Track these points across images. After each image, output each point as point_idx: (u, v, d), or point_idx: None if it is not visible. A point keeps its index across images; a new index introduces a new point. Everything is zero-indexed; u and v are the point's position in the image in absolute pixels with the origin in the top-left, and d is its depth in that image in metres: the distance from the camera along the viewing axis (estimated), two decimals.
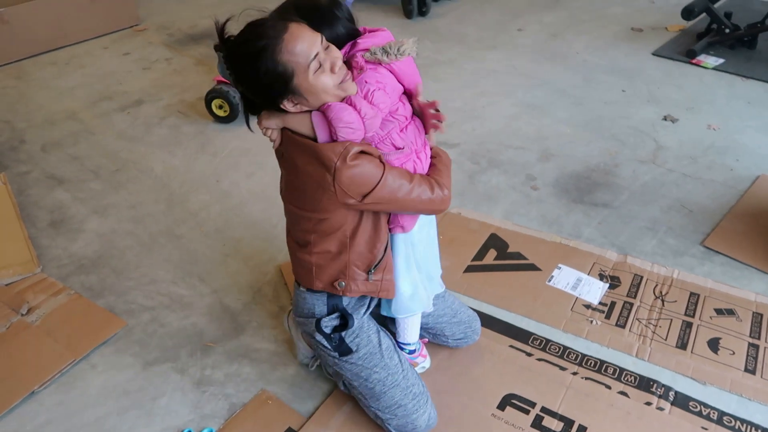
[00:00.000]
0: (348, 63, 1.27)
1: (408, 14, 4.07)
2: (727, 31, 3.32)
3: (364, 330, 1.45)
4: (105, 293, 2.06)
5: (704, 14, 3.35)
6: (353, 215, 1.30)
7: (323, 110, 1.20)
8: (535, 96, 3.08)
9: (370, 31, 1.33)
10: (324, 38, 1.19)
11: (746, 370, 1.64)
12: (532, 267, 2.01)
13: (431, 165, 1.38)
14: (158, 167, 2.71)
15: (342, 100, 1.20)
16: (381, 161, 1.25)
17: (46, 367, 1.77)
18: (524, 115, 2.92)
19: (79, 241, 2.30)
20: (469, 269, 2.02)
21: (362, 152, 1.21)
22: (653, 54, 3.41)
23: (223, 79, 2.88)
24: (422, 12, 4.08)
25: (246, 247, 2.21)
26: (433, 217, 1.49)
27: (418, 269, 1.48)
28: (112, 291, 2.06)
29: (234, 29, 1.20)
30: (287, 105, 1.20)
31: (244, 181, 2.55)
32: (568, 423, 1.53)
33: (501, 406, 1.57)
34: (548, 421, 1.53)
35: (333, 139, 1.19)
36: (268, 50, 1.12)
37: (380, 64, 1.26)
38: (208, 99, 2.93)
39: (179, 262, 2.17)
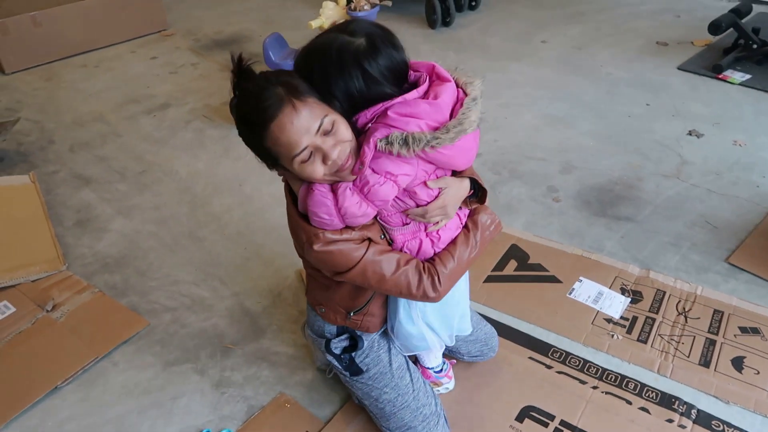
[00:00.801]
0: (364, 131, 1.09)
1: (432, 24, 4.09)
2: (755, 46, 3.29)
3: (374, 350, 1.43)
4: (128, 292, 2.09)
5: (732, 29, 3.33)
6: None
7: (307, 191, 1.11)
8: (558, 108, 3.07)
9: (438, 77, 1.10)
10: (329, 118, 1.03)
11: None
12: (553, 279, 2.00)
13: (459, 236, 1.24)
14: (182, 170, 2.75)
15: (334, 183, 1.10)
16: (364, 241, 1.16)
17: (69, 364, 1.80)
18: (547, 127, 2.92)
19: (104, 240, 2.34)
20: (489, 279, 2.01)
21: (337, 239, 1.13)
22: (678, 68, 3.38)
23: None
24: (446, 22, 4.10)
25: (267, 251, 2.23)
26: (466, 289, 1.42)
27: (423, 319, 1.37)
28: (135, 291, 2.09)
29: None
30: (278, 172, 1.16)
31: (266, 186, 2.58)
32: None
33: (519, 418, 1.56)
34: None
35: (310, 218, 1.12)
36: (255, 129, 1.05)
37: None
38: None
39: (201, 263, 2.20)
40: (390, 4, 3.23)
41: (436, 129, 1.06)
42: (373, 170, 1.07)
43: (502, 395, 1.63)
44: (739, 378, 1.65)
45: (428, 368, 1.61)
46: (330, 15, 3.05)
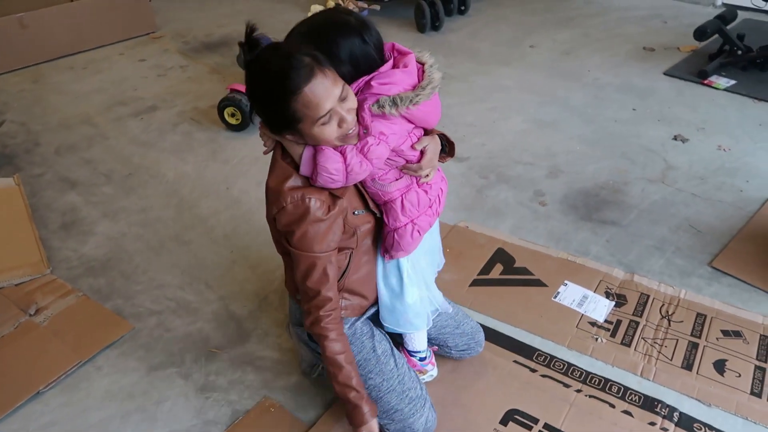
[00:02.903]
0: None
1: (421, 28, 4.11)
2: (740, 52, 3.32)
3: (357, 336, 1.47)
4: (113, 296, 2.07)
5: (717, 35, 3.36)
6: None
7: (316, 151, 1.22)
8: (546, 112, 3.09)
9: (399, 52, 1.30)
10: (345, 87, 1.18)
11: (752, 393, 1.62)
12: (538, 282, 2.01)
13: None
14: (170, 173, 2.74)
15: (337, 147, 1.23)
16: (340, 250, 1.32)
17: (52, 368, 1.79)
18: (534, 132, 2.93)
19: (89, 243, 2.33)
20: (475, 283, 2.02)
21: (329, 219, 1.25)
22: (665, 74, 3.42)
23: (236, 88, 2.92)
24: (435, 27, 4.12)
25: (253, 254, 2.22)
26: (437, 229, 1.53)
27: (424, 282, 1.49)
28: (120, 294, 2.08)
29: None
30: (287, 136, 1.23)
31: (254, 190, 2.57)
32: None
33: (504, 422, 1.57)
34: None
35: (313, 178, 1.23)
36: (285, 93, 1.13)
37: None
38: (221, 107, 2.97)
39: (187, 267, 2.19)
40: (378, 7, 3.24)
41: (410, 90, 1.24)
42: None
43: (487, 398, 1.63)
44: (721, 381, 1.66)
45: (414, 354, 1.62)
46: None
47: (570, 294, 1.96)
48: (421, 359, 1.65)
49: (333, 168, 1.21)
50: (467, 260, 2.11)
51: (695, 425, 1.55)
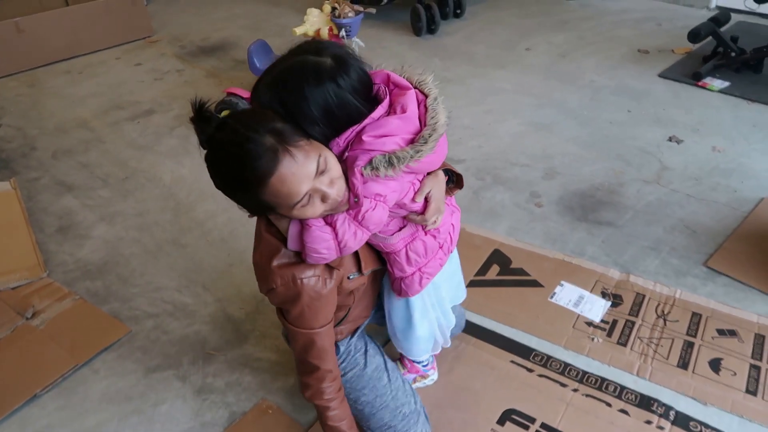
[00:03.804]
0: (345, 158, 1.08)
1: (417, 32, 4.12)
2: (733, 54, 3.34)
3: (350, 355, 1.44)
4: (110, 299, 2.07)
5: (710, 38, 3.38)
6: None
7: (302, 227, 1.09)
8: (541, 115, 3.11)
9: (396, 85, 1.10)
10: (323, 157, 1.00)
11: (747, 391, 1.63)
12: (535, 283, 2.02)
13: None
14: (166, 176, 2.74)
15: (327, 217, 1.09)
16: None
17: (49, 371, 1.79)
18: (530, 134, 2.94)
19: (85, 247, 2.33)
20: (472, 284, 2.03)
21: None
22: (659, 76, 3.43)
23: (234, 92, 2.92)
24: (431, 30, 4.13)
25: (250, 256, 2.20)
26: (456, 250, 1.45)
27: (440, 306, 1.45)
28: (116, 297, 2.08)
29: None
30: (268, 215, 1.13)
31: None
32: None
33: (501, 422, 1.57)
34: None
35: (302, 255, 1.10)
36: (250, 186, 0.99)
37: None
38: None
39: (184, 270, 2.19)
40: (374, 11, 3.25)
41: (411, 140, 1.06)
42: (363, 196, 1.06)
43: (484, 399, 1.64)
44: (717, 379, 1.67)
45: (416, 361, 1.62)
46: (314, 22, 3.06)
47: (566, 294, 1.97)
48: (424, 365, 1.65)
49: (322, 247, 1.07)
50: (464, 262, 2.08)
51: (691, 424, 1.56)
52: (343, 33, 3.08)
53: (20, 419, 1.68)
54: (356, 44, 3.16)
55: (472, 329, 1.85)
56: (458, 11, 4.39)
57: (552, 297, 1.96)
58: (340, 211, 1.08)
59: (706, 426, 1.55)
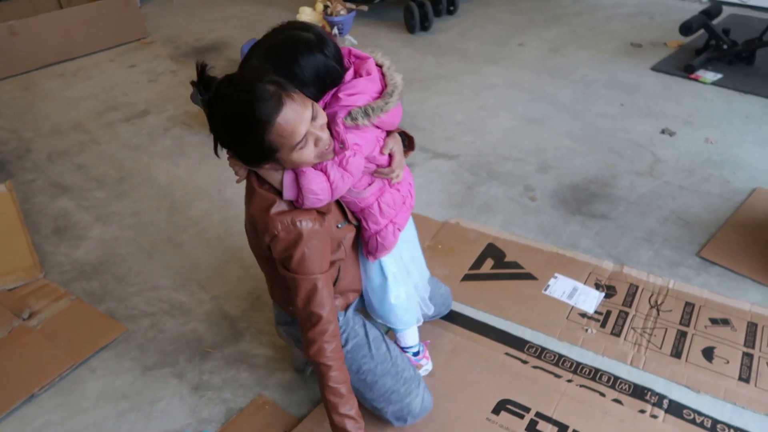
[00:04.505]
0: (329, 118, 1.23)
1: (410, 29, 4.13)
2: (725, 47, 3.36)
3: (350, 326, 1.50)
4: (106, 299, 2.08)
5: (702, 30, 3.39)
6: None
7: (297, 174, 1.21)
8: (534, 109, 3.12)
9: (357, 57, 1.30)
10: (313, 105, 1.15)
11: (740, 378, 1.64)
12: (529, 276, 2.03)
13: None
14: (161, 176, 2.75)
15: (316, 166, 1.22)
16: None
17: (46, 371, 1.80)
18: (523, 128, 2.96)
19: (81, 247, 2.33)
20: (466, 278, 2.04)
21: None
22: (652, 69, 3.45)
23: None
24: (424, 27, 4.14)
25: (245, 254, 2.23)
26: (411, 219, 1.56)
27: (409, 275, 1.53)
28: (113, 297, 2.09)
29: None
30: (264, 166, 1.21)
31: None
32: (563, 428, 1.53)
33: (496, 411, 1.58)
34: (543, 426, 1.54)
35: (299, 201, 1.22)
36: (257, 127, 1.10)
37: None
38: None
39: (180, 269, 2.20)
40: (366, 8, 3.26)
41: (377, 98, 1.26)
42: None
43: (479, 390, 1.65)
44: (710, 368, 1.68)
45: (407, 350, 1.65)
46: (307, 20, 3.07)
47: (560, 286, 1.98)
48: (415, 354, 1.66)
49: (318, 188, 1.21)
50: (458, 256, 2.13)
51: (684, 411, 1.57)
52: (335, 31, 3.09)
53: (18, 418, 1.69)
54: (349, 42, 3.17)
55: (466, 322, 1.87)
56: (451, 8, 4.39)
57: (546, 289, 1.97)
58: (327, 158, 1.22)
59: (700, 414, 1.56)
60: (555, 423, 1.55)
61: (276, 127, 1.10)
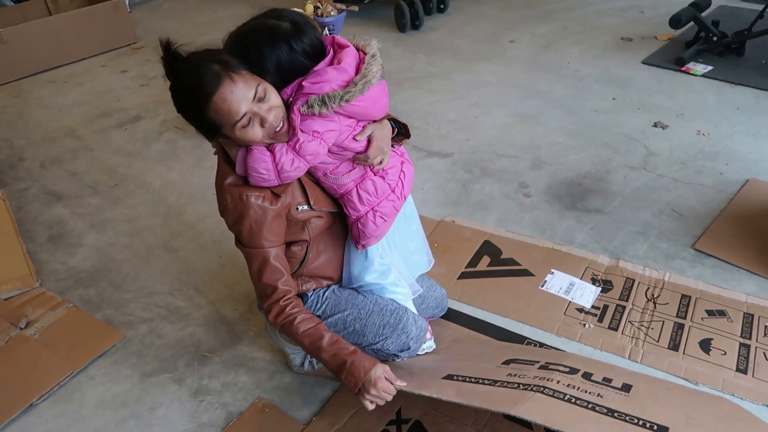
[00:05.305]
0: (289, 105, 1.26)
1: (401, 28, 4.13)
2: (715, 39, 3.37)
3: (319, 297, 1.51)
4: (103, 306, 2.07)
5: (692, 23, 3.41)
6: None
7: (246, 152, 1.26)
8: (527, 106, 3.12)
9: (339, 45, 1.30)
10: (261, 86, 1.19)
11: (738, 369, 1.65)
12: (526, 272, 2.04)
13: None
14: (156, 181, 2.74)
15: (269, 145, 1.25)
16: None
17: (45, 380, 1.79)
18: (517, 125, 2.96)
19: (77, 255, 2.33)
20: (463, 276, 2.04)
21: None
22: (643, 62, 3.46)
23: None
24: (415, 26, 4.14)
25: (242, 257, 2.22)
26: (413, 211, 1.56)
27: (397, 251, 1.54)
28: (110, 303, 2.08)
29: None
30: (219, 140, 1.28)
31: None
32: (573, 371, 1.43)
33: (506, 363, 1.52)
34: (555, 367, 1.45)
35: (248, 178, 1.27)
36: (198, 104, 1.17)
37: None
38: None
39: (176, 273, 2.19)
40: (356, 8, 3.26)
41: (344, 87, 1.25)
42: (301, 131, 1.25)
43: (484, 356, 1.64)
44: (707, 359, 1.69)
45: None
46: None
47: (557, 282, 1.98)
48: None
49: (261, 168, 1.24)
50: (455, 254, 2.13)
51: None
52: (326, 32, 3.09)
53: (17, 428, 1.68)
54: None
55: (465, 320, 1.87)
56: (442, 6, 4.40)
57: (543, 285, 1.98)
58: (281, 141, 1.25)
59: None
60: (565, 366, 1.45)
61: (213, 104, 1.15)
